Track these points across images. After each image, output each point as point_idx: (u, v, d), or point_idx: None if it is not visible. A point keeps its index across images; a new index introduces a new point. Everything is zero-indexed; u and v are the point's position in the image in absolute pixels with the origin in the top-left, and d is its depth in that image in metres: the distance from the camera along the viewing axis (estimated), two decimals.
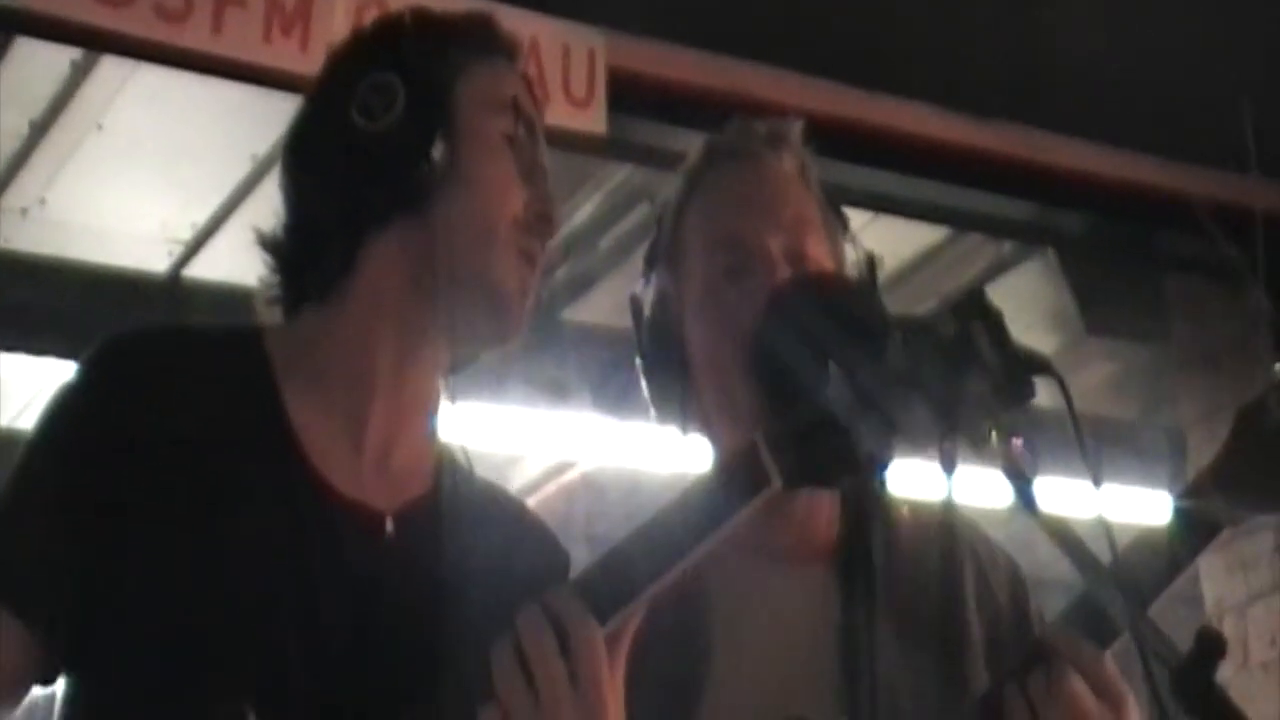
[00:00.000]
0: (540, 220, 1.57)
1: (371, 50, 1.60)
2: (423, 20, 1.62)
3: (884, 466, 1.34)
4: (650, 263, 1.84)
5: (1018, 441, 1.32)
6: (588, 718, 1.28)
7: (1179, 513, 1.58)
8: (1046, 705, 1.48)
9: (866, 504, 1.76)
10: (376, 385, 1.54)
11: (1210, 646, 1.23)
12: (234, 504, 1.43)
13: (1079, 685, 1.48)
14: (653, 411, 1.82)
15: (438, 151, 1.51)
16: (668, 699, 1.62)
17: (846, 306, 1.53)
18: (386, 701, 1.38)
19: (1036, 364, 1.33)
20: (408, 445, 1.56)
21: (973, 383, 1.30)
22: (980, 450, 1.33)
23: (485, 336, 1.59)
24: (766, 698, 1.65)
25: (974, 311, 1.32)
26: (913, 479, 1.64)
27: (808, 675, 1.67)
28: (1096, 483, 1.33)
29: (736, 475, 1.35)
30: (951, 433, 1.32)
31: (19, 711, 1.44)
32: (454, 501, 1.56)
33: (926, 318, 1.35)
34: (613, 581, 1.32)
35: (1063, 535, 1.30)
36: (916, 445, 1.32)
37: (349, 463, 1.52)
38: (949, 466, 1.33)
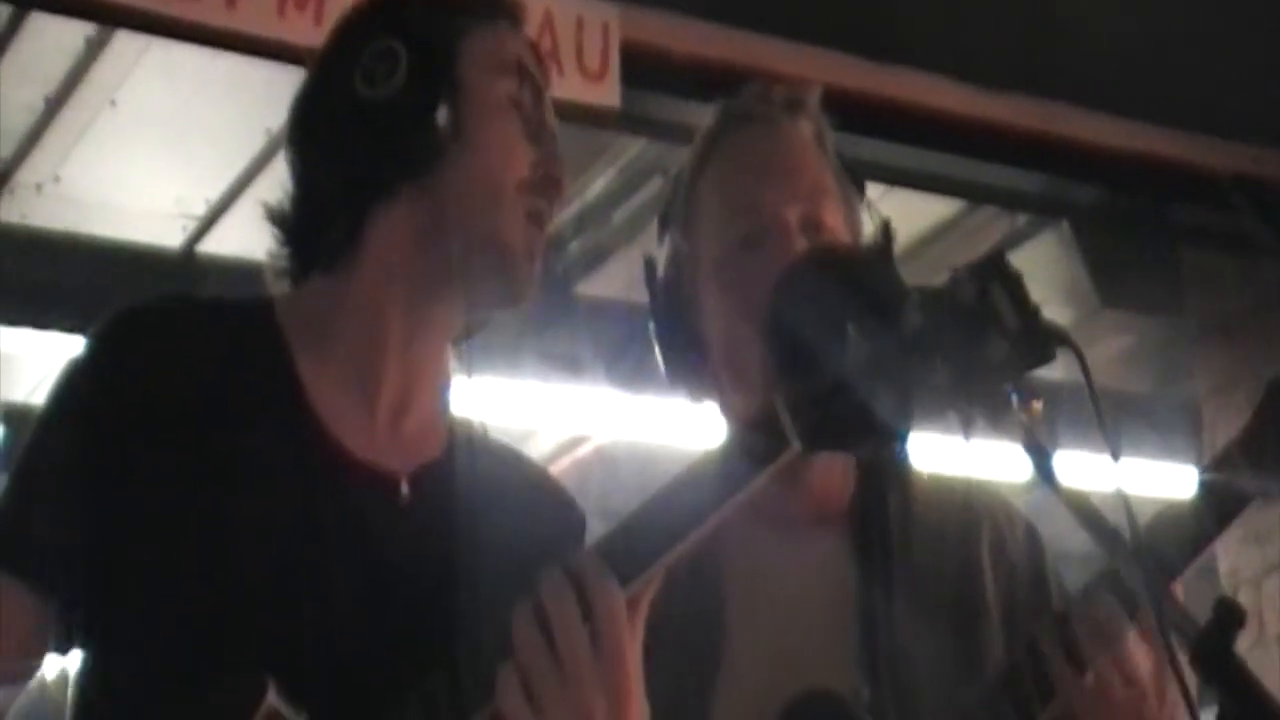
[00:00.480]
0: (547, 182, 1.57)
1: (374, 17, 1.59)
2: None
3: (904, 433, 1.34)
4: (665, 224, 1.83)
5: (1038, 403, 1.31)
6: (608, 681, 1.29)
7: (1205, 485, 1.58)
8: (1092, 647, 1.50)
9: (883, 469, 1.76)
10: (388, 348, 1.54)
11: (1229, 617, 1.23)
12: (248, 469, 1.43)
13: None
14: (664, 375, 1.81)
15: (442, 115, 1.51)
16: (685, 671, 1.62)
17: (863, 278, 1.52)
18: (404, 662, 1.38)
19: (1055, 336, 1.32)
20: (421, 408, 1.56)
21: (992, 346, 1.30)
22: (999, 420, 1.32)
23: (496, 298, 1.59)
24: (783, 668, 1.65)
25: (994, 274, 1.32)
26: (931, 452, 1.64)
27: (824, 644, 1.67)
28: (1115, 456, 1.33)
29: (756, 439, 1.35)
30: (970, 399, 1.31)
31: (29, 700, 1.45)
32: (468, 463, 1.56)
33: (945, 283, 1.34)
34: (633, 546, 1.32)
35: (1082, 508, 1.30)
36: (935, 412, 1.32)
37: (363, 426, 1.52)
38: (967, 432, 1.33)
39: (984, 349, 1.30)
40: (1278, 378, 1.58)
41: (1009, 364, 1.30)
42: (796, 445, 1.33)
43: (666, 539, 1.32)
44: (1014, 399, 1.32)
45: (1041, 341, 1.30)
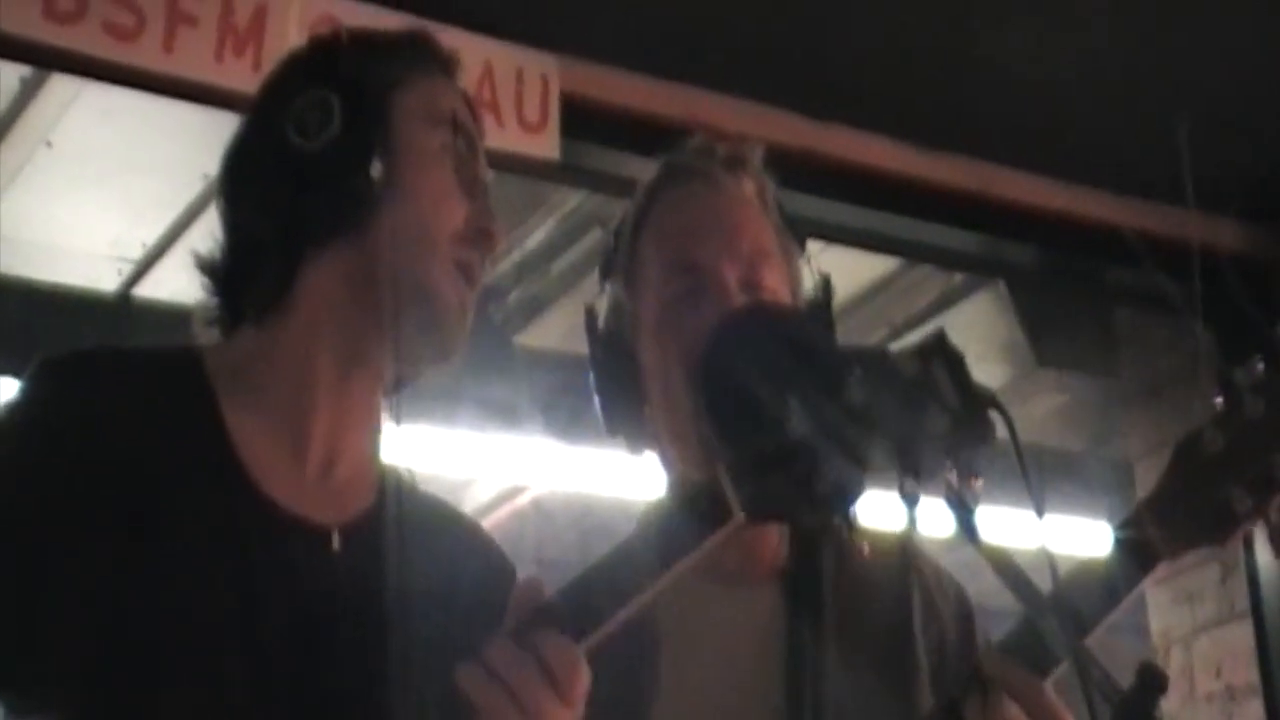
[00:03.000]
0: (480, 234, 1.56)
1: (308, 67, 1.59)
2: (358, 37, 1.61)
3: (851, 501, 1.35)
4: (605, 275, 1.84)
5: (978, 482, 1.33)
6: None
7: (1118, 542, 1.59)
8: None
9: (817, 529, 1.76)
10: (318, 400, 1.53)
11: (1152, 681, 1.24)
12: (176, 524, 1.41)
13: (1015, 714, 1.48)
14: (603, 424, 1.81)
15: (375, 167, 1.51)
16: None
17: (798, 334, 1.53)
18: (337, 718, 1.37)
19: (984, 399, 1.34)
20: (350, 459, 1.56)
21: (932, 422, 1.31)
22: (930, 482, 1.33)
23: (425, 353, 1.58)
24: None
25: (937, 352, 1.34)
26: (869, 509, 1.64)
27: (752, 699, 1.67)
28: (1040, 513, 1.34)
29: (700, 508, 1.35)
30: (911, 471, 1.33)
31: None
32: (399, 515, 1.55)
33: (888, 354, 1.36)
34: (576, 612, 1.32)
35: (1004, 565, 1.30)
36: (875, 483, 1.33)
37: (292, 478, 1.51)
38: (910, 504, 1.34)
39: (924, 424, 1.32)
40: (1188, 436, 1.59)
41: (949, 441, 1.32)
42: (740, 515, 1.34)
43: (608, 607, 1.33)
44: (953, 476, 1.33)
45: (980, 421, 1.32)
